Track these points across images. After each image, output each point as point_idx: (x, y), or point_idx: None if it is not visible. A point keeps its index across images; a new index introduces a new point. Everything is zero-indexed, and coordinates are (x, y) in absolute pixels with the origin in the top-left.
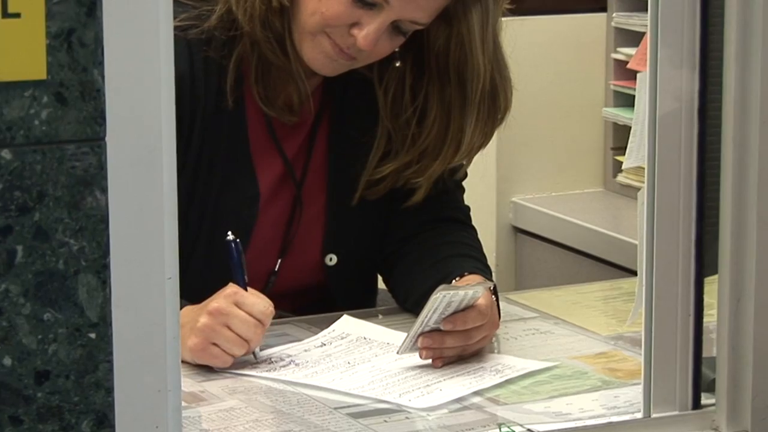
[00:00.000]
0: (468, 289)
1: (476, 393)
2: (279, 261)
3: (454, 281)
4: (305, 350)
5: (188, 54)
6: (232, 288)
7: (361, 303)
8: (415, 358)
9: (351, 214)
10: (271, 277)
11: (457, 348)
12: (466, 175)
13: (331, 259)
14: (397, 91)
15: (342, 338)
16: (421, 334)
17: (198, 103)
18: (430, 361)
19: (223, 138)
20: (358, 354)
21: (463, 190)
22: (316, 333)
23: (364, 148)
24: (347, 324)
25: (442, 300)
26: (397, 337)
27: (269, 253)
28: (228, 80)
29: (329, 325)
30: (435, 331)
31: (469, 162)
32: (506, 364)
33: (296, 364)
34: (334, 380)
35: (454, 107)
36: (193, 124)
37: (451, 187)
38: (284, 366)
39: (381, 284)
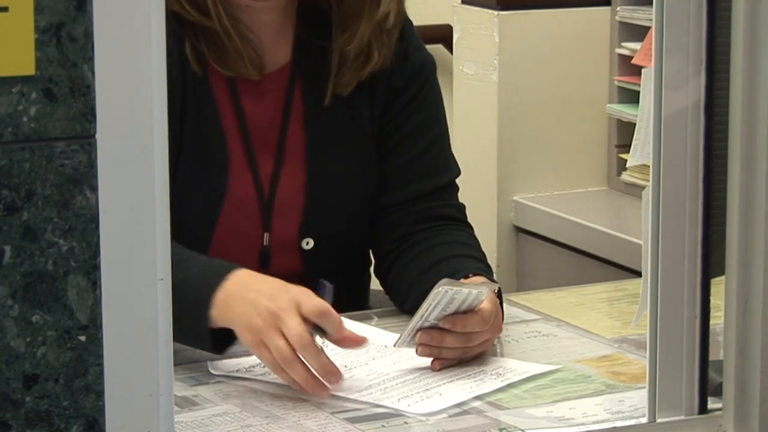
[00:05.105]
0: (472, 289)
1: (477, 397)
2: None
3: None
4: None
5: None
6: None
7: (341, 303)
8: (414, 361)
9: (332, 197)
10: None
11: (456, 350)
12: (459, 173)
13: (308, 243)
14: None
15: None
16: (421, 328)
17: None
18: (429, 364)
19: (190, 105)
20: (355, 357)
21: (456, 188)
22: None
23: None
24: None
25: (444, 295)
26: (394, 339)
27: (245, 231)
28: (187, 48)
29: None
30: (435, 328)
31: (401, 7)
32: (507, 367)
33: None
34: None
35: None
36: None
37: (443, 183)
38: None
39: (374, 285)
